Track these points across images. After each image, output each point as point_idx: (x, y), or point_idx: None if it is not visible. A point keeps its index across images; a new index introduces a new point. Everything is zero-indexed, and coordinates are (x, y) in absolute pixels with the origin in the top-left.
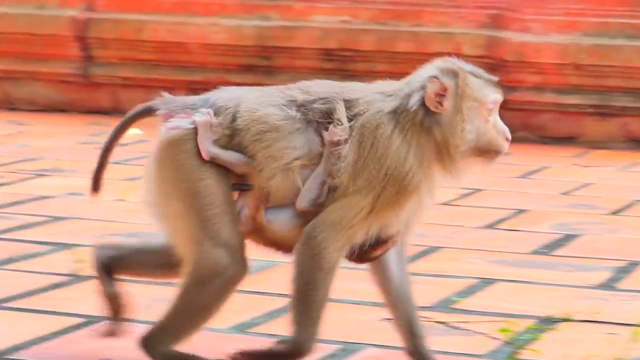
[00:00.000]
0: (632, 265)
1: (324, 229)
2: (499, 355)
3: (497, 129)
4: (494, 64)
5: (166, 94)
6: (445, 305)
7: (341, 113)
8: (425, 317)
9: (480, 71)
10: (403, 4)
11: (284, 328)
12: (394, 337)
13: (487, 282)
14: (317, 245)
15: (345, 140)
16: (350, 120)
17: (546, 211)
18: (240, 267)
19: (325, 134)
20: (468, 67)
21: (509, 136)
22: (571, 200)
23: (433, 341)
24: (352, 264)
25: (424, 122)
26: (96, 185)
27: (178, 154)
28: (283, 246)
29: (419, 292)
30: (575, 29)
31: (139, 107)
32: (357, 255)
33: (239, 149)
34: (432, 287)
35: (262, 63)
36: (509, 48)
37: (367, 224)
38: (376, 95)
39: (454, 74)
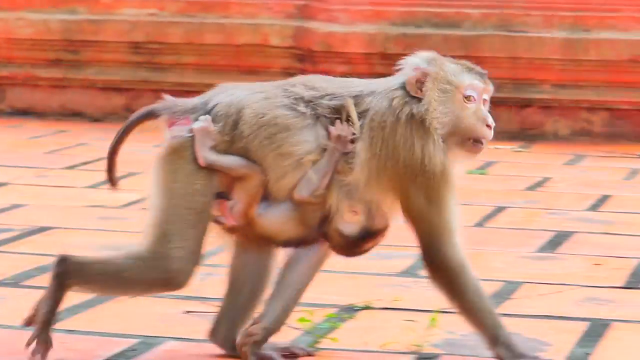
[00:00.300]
0: None
1: (430, 250)
2: (299, 345)
3: (477, 115)
4: (301, 54)
5: (168, 97)
6: None
7: (352, 111)
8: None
9: (465, 62)
10: None
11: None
12: (195, 330)
13: None
14: (441, 266)
15: (357, 138)
16: (359, 117)
17: None
18: (183, 278)
19: (332, 129)
20: (450, 59)
21: (492, 123)
22: None
23: None
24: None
25: (413, 110)
26: (113, 182)
27: (177, 160)
28: (273, 239)
29: (220, 284)
30: (382, 18)
31: (141, 110)
32: (348, 248)
33: (243, 153)
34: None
35: (69, 57)
36: (316, 38)
37: (449, 216)
38: (377, 91)
39: (432, 60)
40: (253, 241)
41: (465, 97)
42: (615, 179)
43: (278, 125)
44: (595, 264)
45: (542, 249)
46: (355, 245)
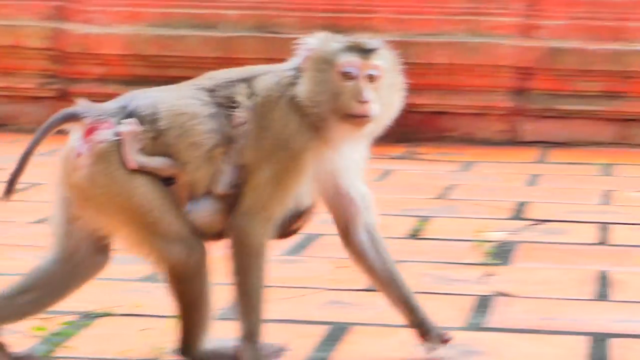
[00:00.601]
0: None
1: (242, 217)
2: (36, 353)
3: (352, 92)
4: (58, 56)
5: (83, 101)
6: None
7: (240, 95)
8: None
9: (354, 39)
10: None
11: None
12: None
13: None
14: (240, 235)
15: (246, 121)
16: (248, 99)
17: None
18: (199, 249)
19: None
20: (341, 38)
21: (364, 98)
22: None
23: None
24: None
25: (295, 90)
26: (10, 189)
27: (108, 168)
28: (209, 233)
29: None
30: (139, 20)
31: (61, 112)
32: (277, 231)
33: (165, 149)
34: None
35: None
36: (73, 40)
37: (279, 198)
38: (269, 73)
39: (322, 40)
40: None
41: (343, 75)
42: (367, 180)
43: (188, 114)
44: (338, 267)
45: (289, 252)
46: (284, 226)
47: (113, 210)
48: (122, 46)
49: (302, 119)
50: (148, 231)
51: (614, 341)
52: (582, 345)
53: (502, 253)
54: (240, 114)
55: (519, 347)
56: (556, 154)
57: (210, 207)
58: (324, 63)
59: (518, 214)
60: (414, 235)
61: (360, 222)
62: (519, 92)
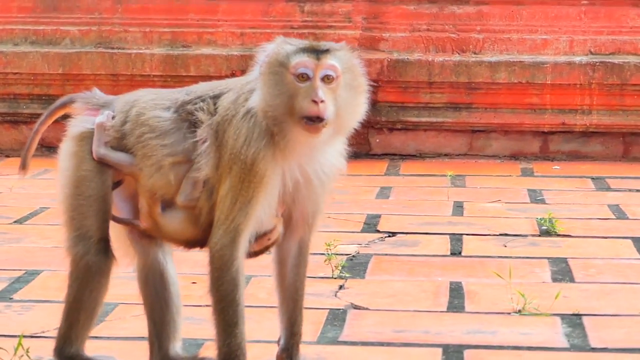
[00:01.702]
0: (29, 275)
1: (212, 231)
2: None
3: (307, 93)
4: None
5: (95, 90)
6: None
7: (202, 112)
8: None
9: (307, 42)
10: None
11: None
12: None
13: None
14: (210, 247)
15: (205, 139)
16: (212, 116)
17: None
18: (104, 257)
19: (197, 132)
20: (299, 41)
21: (317, 98)
22: None
23: None
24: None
25: (250, 102)
26: (24, 165)
27: (74, 147)
28: (179, 240)
29: None
30: None
31: (64, 97)
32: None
33: (126, 150)
34: None
35: None
36: None
37: (241, 209)
38: (232, 90)
39: (276, 43)
40: (167, 242)
41: (297, 76)
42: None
43: (149, 126)
44: (193, 282)
45: None
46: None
47: (60, 184)
48: None
49: (256, 130)
50: (70, 215)
51: (468, 352)
52: (435, 357)
53: (354, 266)
54: (200, 131)
55: None
56: (406, 166)
57: (179, 215)
58: (278, 66)
59: (369, 227)
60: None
61: (298, 234)
62: None
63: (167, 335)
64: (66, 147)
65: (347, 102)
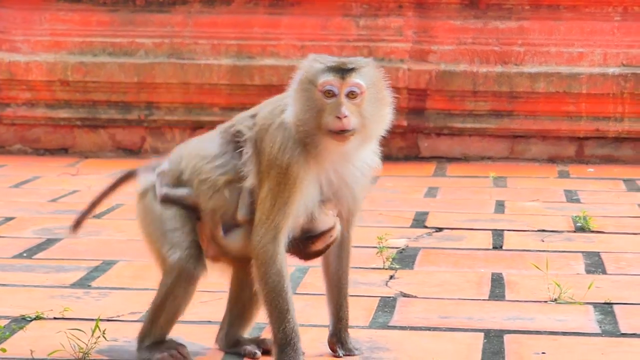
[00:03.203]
0: (106, 264)
1: (253, 230)
2: None
3: (332, 109)
4: None
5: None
6: None
7: (245, 128)
8: None
9: (333, 60)
10: None
11: None
12: None
13: None
14: (253, 246)
15: (249, 151)
16: (250, 131)
17: (32, 218)
18: (197, 265)
19: (243, 149)
20: (328, 57)
21: (341, 114)
22: (58, 207)
23: None
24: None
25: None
26: (77, 225)
27: (144, 201)
28: (246, 257)
29: None
30: (61, 48)
31: (126, 170)
32: (299, 251)
33: (186, 184)
34: None
35: None
36: (0, 67)
37: (279, 208)
38: (270, 104)
39: (306, 61)
40: (236, 264)
41: (324, 93)
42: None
43: (200, 156)
44: None
45: None
46: (304, 247)
47: (145, 231)
48: (46, 72)
49: (290, 139)
50: (163, 242)
51: (508, 337)
52: (477, 341)
53: (403, 258)
54: (245, 145)
55: (421, 343)
56: (452, 168)
57: (241, 234)
58: (308, 84)
59: (418, 223)
60: None
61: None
62: (416, 111)
63: (240, 323)
64: (138, 207)
65: (372, 113)
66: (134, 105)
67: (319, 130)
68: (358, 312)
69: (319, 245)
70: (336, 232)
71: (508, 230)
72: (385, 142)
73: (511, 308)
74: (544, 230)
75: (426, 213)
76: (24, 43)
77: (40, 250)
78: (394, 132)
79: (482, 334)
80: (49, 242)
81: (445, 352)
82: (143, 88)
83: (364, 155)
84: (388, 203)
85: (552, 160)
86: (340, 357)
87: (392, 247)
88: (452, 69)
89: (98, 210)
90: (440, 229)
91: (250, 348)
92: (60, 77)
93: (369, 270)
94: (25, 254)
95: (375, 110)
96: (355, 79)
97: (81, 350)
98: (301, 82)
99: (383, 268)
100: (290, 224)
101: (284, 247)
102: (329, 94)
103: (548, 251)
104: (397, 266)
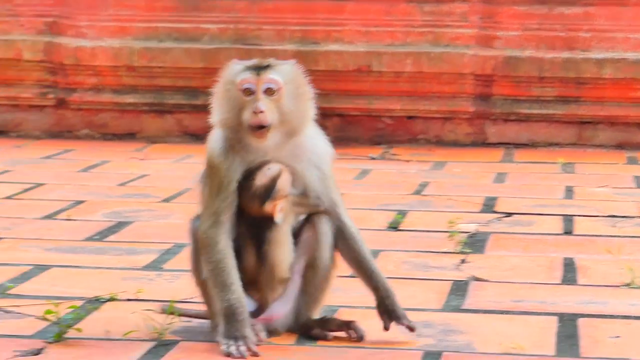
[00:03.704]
0: (177, 247)
1: (200, 221)
2: (47, 335)
3: (250, 105)
4: (53, 67)
5: None
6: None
7: None
8: None
9: (255, 60)
10: None
11: None
12: None
13: (41, 268)
14: (200, 235)
15: None
16: None
17: (102, 201)
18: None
19: None
20: (248, 61)
21: (257, 109)
22: (127, 191)
23: None
24: None
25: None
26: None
27: None
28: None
29: None
30: (127, 34)
31: None
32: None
33: None
34: None
35: None
36: (67, 52)
37: (219, 199)
38: None
39: (227, 66)
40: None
41: (243, 91)
42: (347, 178)
43: None
44: None
45: None
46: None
47: None
48: (112, 58)
49: (218, 137)
50: None
51: (581, 321)
52: (551, 325)
53: (474, 243)
54: None
55: (494, 327)
56: (519, 154)
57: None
58: (229, 84)
59: (487, 208)
60: (394, 227)
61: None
62: (482, 97)
63: (308, 305)
64: None
65: (292, 109)
66: (200, 91)
67: (241, 127)
68: (430, 296)
69: (268, 205)
70: (283, 183)
71: (578, 215)
72: (451, 127)
73: (584, 292)
74: (614, 216)
75: (495, 198)
76: (89, 28)
77: (112, 233)
78: (460, 118)
79: (555, 318)
80: (120, 225)
81: (519, 335)
82: (209, 73)
83: (309, 145)
84: (457, 188)
85: (620, 146)
86: (388, 329)
87: (463, 232)
88: (517, 55)
89: (167, 194)
90: (509, 214)
91: (319, 331)
92: (126, 62)
93: (440, 255)
94: (96, 237)
95: (295, 105)
96: (270, 75)
97: (156, 331)
98: (223, 83)
99: (454, 252)
100: (228, 210)
101: (226, 232)
102: (248, 91)
103: (619, 236)
104: (468, 250)
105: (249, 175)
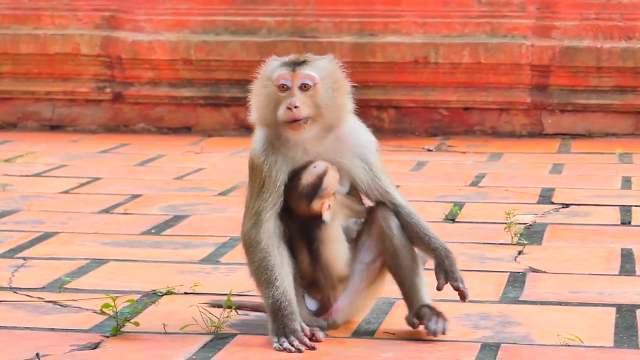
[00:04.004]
0: (234, 240)
1: (242, 224)
2: (104, 329)
3: (284, 100)
4: (110, 61)
5: None
6: (56, 286)
7: None
8: (36, 298)
9: (292, 56)
10: (22, 8)
11: None
12: None
13: (98, 262)
14: (242, 236)
15: None
16: None
17: (159, 195)
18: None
19: None
20: (285, 57)
21: (291, 104)
22: (183, 184)
23: (42, 320)
24: None
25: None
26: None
27: None
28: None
29: (32, 275)
30: (184, 27)
31: None
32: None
33: None
34: (45, 269)
35: None
36: (124, 46)
37: (259, 199)
38: None
39: (267, 64)
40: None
41: (279, 87)
42: (403, 170)
43: None
44: None
45: None
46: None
47: None
48: (169, 51)
49: (258, 137)
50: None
51: None
52: (609, 316)
53: (531, 234)
54: None
55: (552, 318)
56: (576, 145)
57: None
58: (266, 80)
59: (544, 199)
60: (451, 218)
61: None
62: (539, 88)
63: (411, 294)
64: None
65: (329, 103)
66: None
67: (277, 123)
68: (488, 287)
69: (316, 203)
70: (330, 180)
71: (636, 206)
72: (508, 118)
73: None
74: None
75: (552, 189)
76: (147, 22)
77: (168, 227)
78: (517, 109)
79: (614, 309)
80: (176, 219)
81: (577, 327)
82: None
83: (350, 137)
84: (513, 179)
85: None
86: (441, 288)
87: (520, 223)
88: (575, 45)
89: (223, 188)
90: (567, 205)
91: (409, 318)
92: (183, 56)
93: (497, 246)
94: (153, 231)
95: (332, 99)
96: (306, 71)
97: (213, 325)
98: (261, 80)
99: (511, 244)
100: (270, 210)
101: (268, 231)
102: (283, 87)
103: None
104: (525, 242)
105: (295, 175)
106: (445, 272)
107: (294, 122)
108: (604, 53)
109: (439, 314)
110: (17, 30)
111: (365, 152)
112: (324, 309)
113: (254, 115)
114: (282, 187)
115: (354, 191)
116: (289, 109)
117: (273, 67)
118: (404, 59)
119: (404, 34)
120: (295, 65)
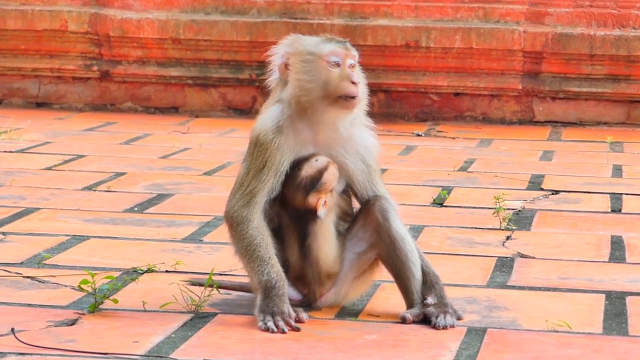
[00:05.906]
0: (217, 220)
1: (229, 198)
2: (82, 306)
3: (342, 76)
4: (98, 39)
5: None
6: (35, 261)
7: None
8: (14, 273)
9: (325, 35)
10: None
11: None
12: None
13: (79, 239)
14: (229, 211)
15: None
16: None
17: (143, 173)
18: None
19: None
20: (311, 37)
21: (356, 80)
22: (168, 163)
23: (19, 295)
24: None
25: (283, 90)
26: None
27: None
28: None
29: (11, 250)
30: (173, 6)
31: None
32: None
33: None
34: (24, 245)
35: None
36: (112, 24)
37: (257, 178)
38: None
39: (292, 41)
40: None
41: (330, 63)
42: (391, 154)
43: None
44: None
45: None
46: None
47: None
48: (158, 30)
49: (268, 117)
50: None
51: (630, 299)
52: (599, 303)
53: (520, 220)
54: None
55: (540, 304)
56: (567, 133)
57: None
58: (309, 55)
59: (534, 185)
60: (439, 202)
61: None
62: (531, 74)
63: (408, 287)
64: None
65: (363, 85)
66: (245, 65)
67: (324, 99)
68: (475, 272)
69: (312, 197)
70: (329, 176)
71: (627, 194)
72: (499, 105)
73: (632, 270)
74: None
75: (542, 176)
76: (136, 0)
77: (151, 205)
78: (508, 95)
79: (603, 296)
80: (160, 198)
81: (566, 313)
82: (255, 47)
83: (358, 137)
84: (503, 166)
85: None
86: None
87: (509, 209)
88: (568, 32)
89: (209, 168)
90: (556, 192)
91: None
92: (172, 35)
93: (485, 231)
94: (136, 209)
95: (363, 82)
96: (353, 51)
97: (194, 303)
98: (299, 55)
99: (500, 229)
100: (265, 193)
101: (260, 212)
102: (334, 63)
103: None
104: (514, 227)
105: (295, 165)
106: (436, 297)
107: (353, 98)
108: (597, 41)
109: (445, 312)
110: (4, 5)
111: (367, 155)
112: (307, 303)
113: (292, 91)
114: (284, 174)
115: (347, 192)
116: (354, 83)
117: (318, 42)
118: (395, 42)
119: (395, 17)
120: (343, 42)
